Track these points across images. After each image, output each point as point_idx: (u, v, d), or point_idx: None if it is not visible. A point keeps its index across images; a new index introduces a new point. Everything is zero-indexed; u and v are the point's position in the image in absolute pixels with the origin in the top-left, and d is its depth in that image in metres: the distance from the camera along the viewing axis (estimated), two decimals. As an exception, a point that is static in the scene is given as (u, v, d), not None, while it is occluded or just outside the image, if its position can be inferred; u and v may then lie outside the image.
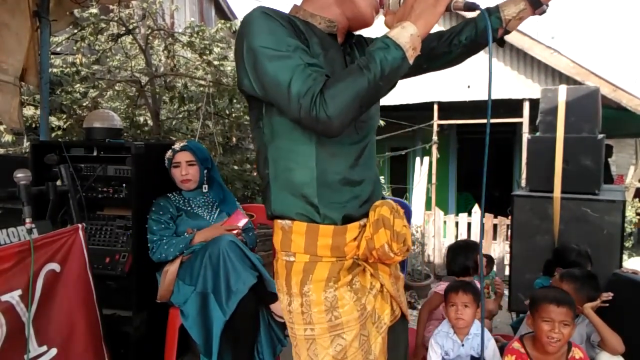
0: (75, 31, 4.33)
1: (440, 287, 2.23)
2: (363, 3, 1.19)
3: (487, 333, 2.01)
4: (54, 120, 4.01)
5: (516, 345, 1.86)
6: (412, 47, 1.01)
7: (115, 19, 4.41)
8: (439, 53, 1.34)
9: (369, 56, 1.00)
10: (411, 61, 1.02)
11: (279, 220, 1.19)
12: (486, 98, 1.12)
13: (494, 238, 5.56)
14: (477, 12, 1.15)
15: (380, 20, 1.16)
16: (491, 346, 1.98)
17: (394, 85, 1.08)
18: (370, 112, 1.20)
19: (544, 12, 1.23)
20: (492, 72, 1.07)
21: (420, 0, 1.04)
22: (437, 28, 1.17)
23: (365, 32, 1.34)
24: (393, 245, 1.13)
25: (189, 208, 2.39)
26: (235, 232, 2.27)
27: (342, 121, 0.99)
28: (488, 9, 1.27)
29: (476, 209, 5.70)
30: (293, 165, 1.13)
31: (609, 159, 7.44)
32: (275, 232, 1.21)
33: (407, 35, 1.01)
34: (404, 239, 1.16)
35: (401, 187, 7.70)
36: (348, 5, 1.19)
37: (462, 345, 1.98)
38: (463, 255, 2.35)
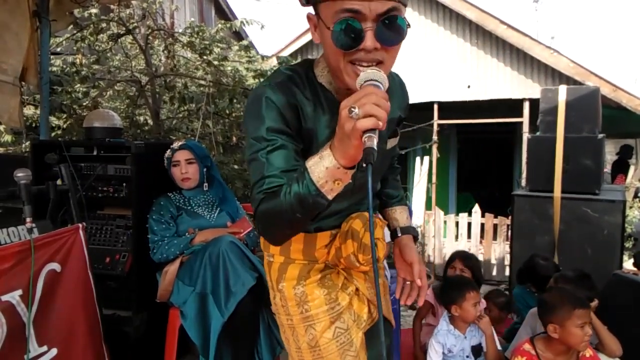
0: (75, 31, 4.33)
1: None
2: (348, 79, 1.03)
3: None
4: (54, 120, 4.01)
5: (527, 346, 1.85)
6: (332, 179, 0.91)
7: (115, 19, 4.40)
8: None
9: (290, 181, 0.95)
10: (330, 196, 0.93)
11: None
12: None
13: (494, 238, 5.56)
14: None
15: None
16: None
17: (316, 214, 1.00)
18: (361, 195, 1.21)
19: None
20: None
21: (342, 123, 0.86)
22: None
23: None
24: (359, 256, 1.20)
25: (189, 207, 2.38)
26: (237, 236, 2.26)
27: (270, 238, 1.12)
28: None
29: (476, 209, 5.69)
30: None
31: (629, 160, 7.41)
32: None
33: (323, 169, 0.91)
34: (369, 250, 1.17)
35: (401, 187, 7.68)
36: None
37: (465, 337, 1.98)
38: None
